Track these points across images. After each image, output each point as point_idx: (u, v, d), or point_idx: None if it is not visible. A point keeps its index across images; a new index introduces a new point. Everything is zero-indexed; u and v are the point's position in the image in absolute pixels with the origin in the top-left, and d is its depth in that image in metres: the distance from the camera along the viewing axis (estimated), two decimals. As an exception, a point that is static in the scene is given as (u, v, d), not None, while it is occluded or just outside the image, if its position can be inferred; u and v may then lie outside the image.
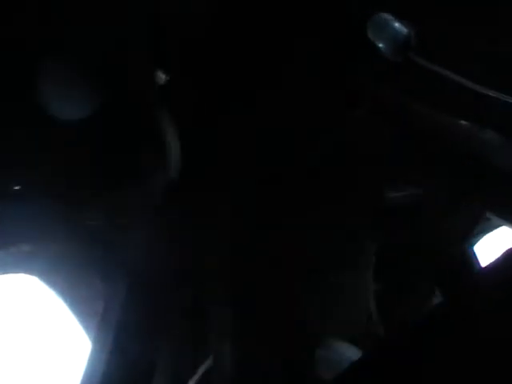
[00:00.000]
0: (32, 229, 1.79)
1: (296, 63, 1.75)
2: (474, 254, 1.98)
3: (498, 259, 1.22)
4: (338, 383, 1.55)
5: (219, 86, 1.81)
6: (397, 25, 1.54)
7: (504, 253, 1.21)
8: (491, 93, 1.43)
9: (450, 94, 1.50)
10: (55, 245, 1.82)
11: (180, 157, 1.84)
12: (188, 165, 1.83)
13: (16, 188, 1.74)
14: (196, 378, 1.81)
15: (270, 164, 1.82)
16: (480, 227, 1.91)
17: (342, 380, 1.50)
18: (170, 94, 1.82)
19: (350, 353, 1.67)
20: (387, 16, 1.55)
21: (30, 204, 1.78)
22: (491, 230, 2.04)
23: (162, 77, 1.86)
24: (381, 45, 1.55)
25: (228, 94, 1.81)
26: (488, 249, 2.01)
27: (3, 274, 1.79)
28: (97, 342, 1.81)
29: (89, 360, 1.78)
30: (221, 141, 1.83)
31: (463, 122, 1.50)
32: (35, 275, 1.84)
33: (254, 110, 1.80)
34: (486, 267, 1.40)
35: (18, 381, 1.84)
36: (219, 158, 1.84)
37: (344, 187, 1.84)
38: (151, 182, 1.83)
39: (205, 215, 1.81)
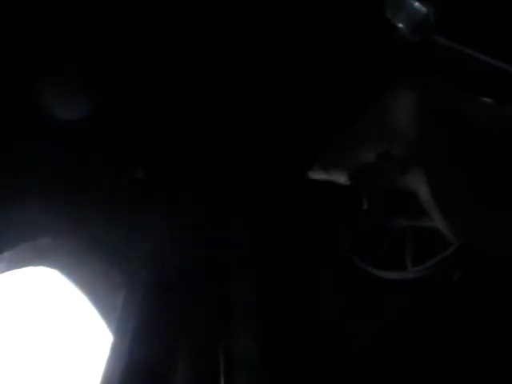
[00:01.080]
0: (52, 223, 1.79)
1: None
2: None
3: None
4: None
5: (222, 90, 1.80)
6: (416, 4, 1.52)
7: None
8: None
9: (472, 71, 1.47)
10: (75, 238, 1.81)
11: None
12: (198, 163, 1.83)
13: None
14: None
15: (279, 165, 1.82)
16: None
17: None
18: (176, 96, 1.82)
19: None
20: (406, -5, 1.52)
21: (47, 198, 1.78)
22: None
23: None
24: (400, 24, 1.53)
25: (231, 98, 1.80)
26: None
27: (24, 267, 1.79)
28: (118, 334, 1.80)
29: (110, 353, 1.76)
30: (229, 141, 1.83)
31: (486, 100, 1.47)
32: (56, 268, 1.84)
33: (261, 114, 1.79)
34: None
35: (39, 375, 1.83)
36: (229, 157, 1.83)
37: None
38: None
39: (216, 214, 1.81)
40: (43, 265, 1.81)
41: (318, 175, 1.76)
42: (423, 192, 1.63)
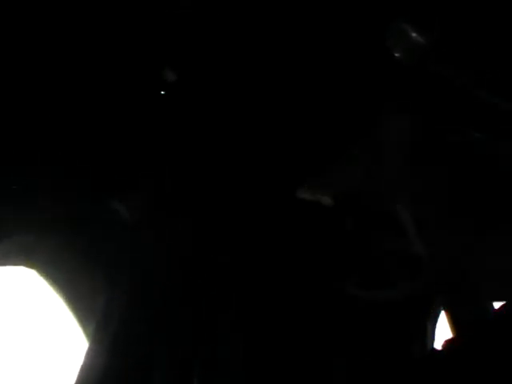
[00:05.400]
0: (36, 220, 1.76)
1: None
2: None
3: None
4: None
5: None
6: (414, 34, 1.57)
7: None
8: (505, 104, 1.46)
9: (465, 103, 1.53)
10: (58, 236, 1.79)
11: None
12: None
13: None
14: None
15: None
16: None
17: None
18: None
19: None
20: (405, 25, 1.58)
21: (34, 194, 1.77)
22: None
23: (171, 75, 1.86)
24: (398, 54, 1.58)
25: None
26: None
27: (5, 265, 1.76)
28: (95, 339, 1.77)
29: (86, 358, 1.73)
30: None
31: (476, 134, 1.52)
32: (35, 268, 1.81)
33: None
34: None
35: (15, 378, 1.80)
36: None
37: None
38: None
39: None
40: (24, 263, 1.78)
41: (304, 195, 1.80)
42: (405, 215, 1.68)
